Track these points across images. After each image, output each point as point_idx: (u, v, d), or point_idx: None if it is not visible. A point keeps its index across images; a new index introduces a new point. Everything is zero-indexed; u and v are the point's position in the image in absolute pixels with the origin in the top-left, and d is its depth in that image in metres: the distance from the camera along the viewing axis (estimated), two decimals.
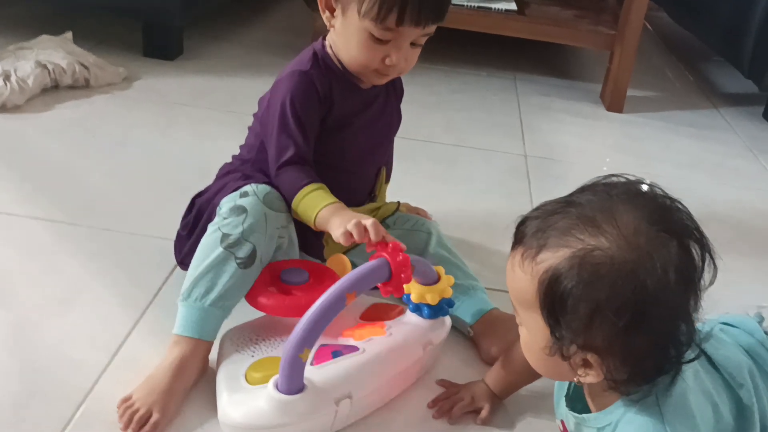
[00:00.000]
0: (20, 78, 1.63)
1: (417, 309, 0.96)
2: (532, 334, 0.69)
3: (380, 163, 1.16)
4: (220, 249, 0.93)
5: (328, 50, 1.04)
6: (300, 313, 0.81)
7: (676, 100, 2.24)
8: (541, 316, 0.65)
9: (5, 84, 1.60)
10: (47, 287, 1.07)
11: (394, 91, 1.14)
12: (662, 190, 0.67)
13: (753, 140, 1.99)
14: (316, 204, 0.95)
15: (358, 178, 1.12)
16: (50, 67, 1.70)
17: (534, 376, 0.90)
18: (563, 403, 0.78)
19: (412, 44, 0.99)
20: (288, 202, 0.99)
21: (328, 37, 1.05)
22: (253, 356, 0.90)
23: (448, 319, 0.99)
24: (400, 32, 0.96)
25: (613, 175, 0.68)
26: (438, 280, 0.95)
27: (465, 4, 2.10)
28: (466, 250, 1.22)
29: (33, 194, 1.31)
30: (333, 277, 0.95)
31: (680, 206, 0.66)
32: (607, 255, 0.61)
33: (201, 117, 1.71)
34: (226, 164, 1.12)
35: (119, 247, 1.18)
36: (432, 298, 0.94)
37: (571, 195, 0.68)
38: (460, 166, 1.63)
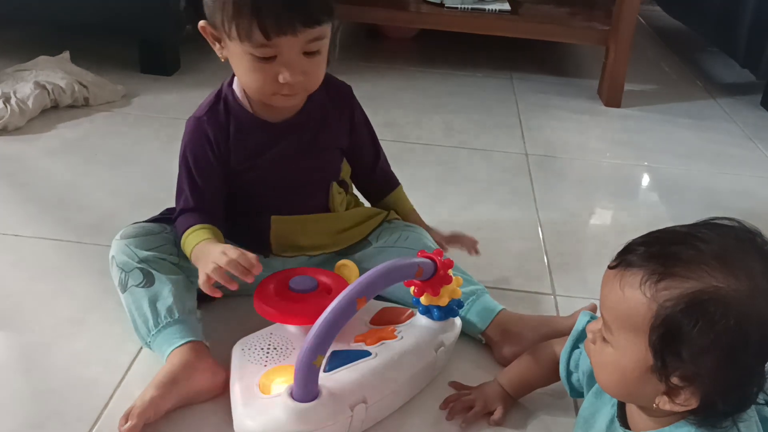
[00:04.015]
0: (20, 100, 1.64)
1: (427, 311, 0.96)
2: (623, 354, 0.68)
3: (326, 180, 1.08)
4: (124, 294, 0.99)
5: (234, 86, 1.01)
6: (310, 320, 0.81)
7: (673, 92, 2.25)
8: (648, 339, 0.65)
9: (5, 106, 1.61)
10: (58, 308, 1.08)
11: (334, 109, 1.05)
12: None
13: (752, 128, 2.00)
14: (190, 243, 0.98)
15: (297, 201, 1.07)
16: (49, 87, 1.71)
17: (554, 378, 0.91)
18: (613, 423, 0.77)
19: (306, 54, 0.92)
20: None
21: None
22: (265, 365, 0.90)
23: (458, 320, 0.99)
24: (278, 45, 0.89)
25: (726, 218, 0.69)
26: None
27: (459, 6, 2.11)
28: None
29: (39, 215, 1.31)
30: (341, 283, 0.96)
31: None
32: (738, 296, 0.62)
33: None
34: None
35: None
36: (441, 300, 0.94)
37: (689, 227, 0.68)
38: (461, 167, 1.64)
